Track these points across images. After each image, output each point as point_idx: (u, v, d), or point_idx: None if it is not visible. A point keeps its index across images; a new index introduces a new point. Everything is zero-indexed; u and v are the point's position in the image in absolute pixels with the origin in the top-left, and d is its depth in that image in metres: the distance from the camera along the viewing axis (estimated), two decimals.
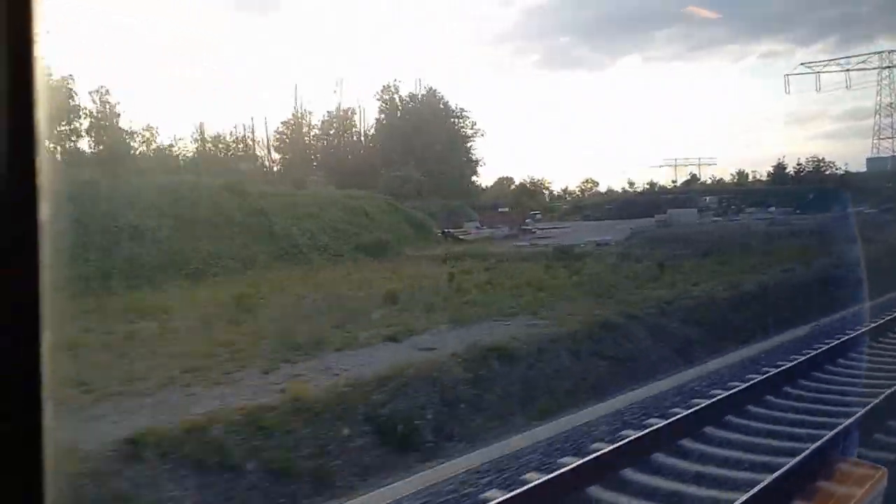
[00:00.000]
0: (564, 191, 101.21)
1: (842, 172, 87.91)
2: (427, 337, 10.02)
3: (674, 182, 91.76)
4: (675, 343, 11.27)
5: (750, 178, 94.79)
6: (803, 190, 76.24)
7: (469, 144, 68.18)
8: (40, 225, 0.74)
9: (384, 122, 61.00)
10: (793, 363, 8.81)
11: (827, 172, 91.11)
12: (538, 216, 74.31)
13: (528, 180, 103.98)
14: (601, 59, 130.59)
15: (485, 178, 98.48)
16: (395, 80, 67.54)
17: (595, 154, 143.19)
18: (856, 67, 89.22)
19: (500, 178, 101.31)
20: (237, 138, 52.29)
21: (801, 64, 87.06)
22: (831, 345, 9.89)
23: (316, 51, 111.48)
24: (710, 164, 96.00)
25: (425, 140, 57.05)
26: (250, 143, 53.25)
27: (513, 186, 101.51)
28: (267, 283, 15.65)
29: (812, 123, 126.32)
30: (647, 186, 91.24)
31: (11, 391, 0.73)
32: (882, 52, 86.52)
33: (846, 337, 10.29)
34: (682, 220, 49.59)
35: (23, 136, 0.74)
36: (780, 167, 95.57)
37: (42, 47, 0.76)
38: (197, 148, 48.61)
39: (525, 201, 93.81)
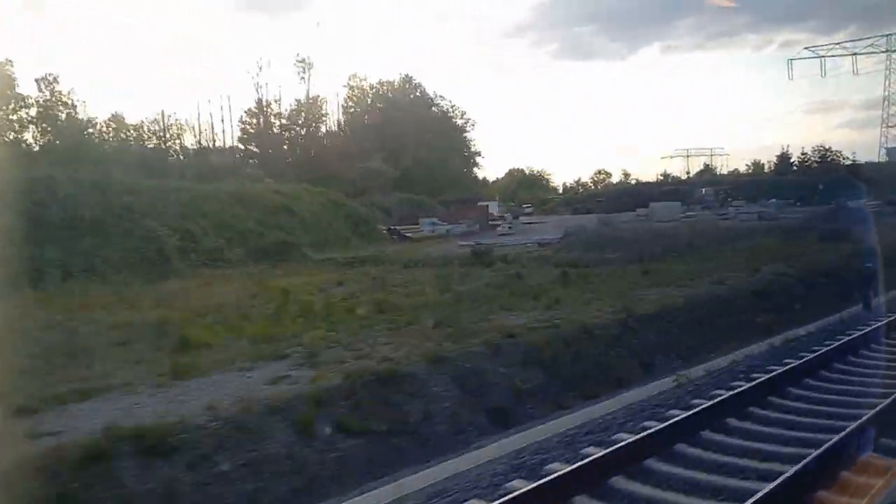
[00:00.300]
0: (577, 182, 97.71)
1: (849, 162, 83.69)
2: (93, 405, 6.87)
3: (688, 173, 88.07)
4: (492, 399, 8.03)
5: (766, 168, 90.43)
6: (807, 181, 72.29)
7: (465, 136, 64.68)
8: None
9: (353, 111, 57.66)
10: (620, 446, 5.57)
11: (833, 162, 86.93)
12: (529, 209, 71.39)
13: (527, 172, 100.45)
14: (619, 49, 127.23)
15: (497, 170, 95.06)
16: (365, 68, 64.67)
17: (610, 145, 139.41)
18: (863, 51, 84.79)
19: (510, 170, 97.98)
20: (161, 127, 49.07)
21: (806, 48, 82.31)
22: (701, 407, 6.61)
23: (310, 44, 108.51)
24: (721, 155, 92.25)
25: (399, 130, 53.72)
26: (174, 130, 49.77)
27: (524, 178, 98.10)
28: (50, 304, 12.59)
29: (833, 113, 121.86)
30: (661, 177, 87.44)
31: None
32: (890, 34, 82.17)
33: (730, 393, 7.01)
34: (663, 214, 46.17)
35: None
36: (783, 157, 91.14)
37: None
38: (112, 137, 45.47)
39: (520, 194, 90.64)
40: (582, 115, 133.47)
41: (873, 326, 9.87)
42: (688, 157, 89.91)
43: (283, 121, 55.65)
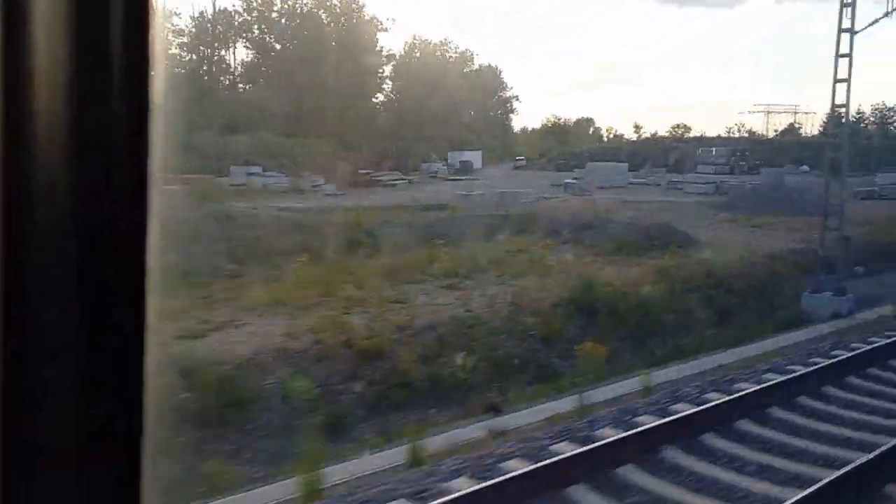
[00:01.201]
0: (653, 135, 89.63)
1: None
2: None
3: (776, 131, 76.72)
4: None
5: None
6: (864, 147, 59.39)
7: (500, 79, 54.73)
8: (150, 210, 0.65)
9: (254, 33, 47.47)
10: None
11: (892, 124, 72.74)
12: (522, 162, 64.61)
13: (594, 121, 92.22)
14: None
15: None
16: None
17: (702, 97, 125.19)
18: None
19: (578, 119, 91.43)
20: None
21: None
22: None
23: None
24: (807, 113, 79.66)
25: (319, 57, 43.94)
26: None
27: (591, 129, 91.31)
28: None
29: None
30: (747, 134, 76.94)
31: (112, 390, 0.65)
32: None
33: None
34: (601, 177, 35.77)
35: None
36: (835, 116, 76.97)
37: None
38: None
39: (539, 145, 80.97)
40: (676, 65, 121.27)
41: None
42: (767, 113, 77.21)
43: (184, 39, 46.48)
